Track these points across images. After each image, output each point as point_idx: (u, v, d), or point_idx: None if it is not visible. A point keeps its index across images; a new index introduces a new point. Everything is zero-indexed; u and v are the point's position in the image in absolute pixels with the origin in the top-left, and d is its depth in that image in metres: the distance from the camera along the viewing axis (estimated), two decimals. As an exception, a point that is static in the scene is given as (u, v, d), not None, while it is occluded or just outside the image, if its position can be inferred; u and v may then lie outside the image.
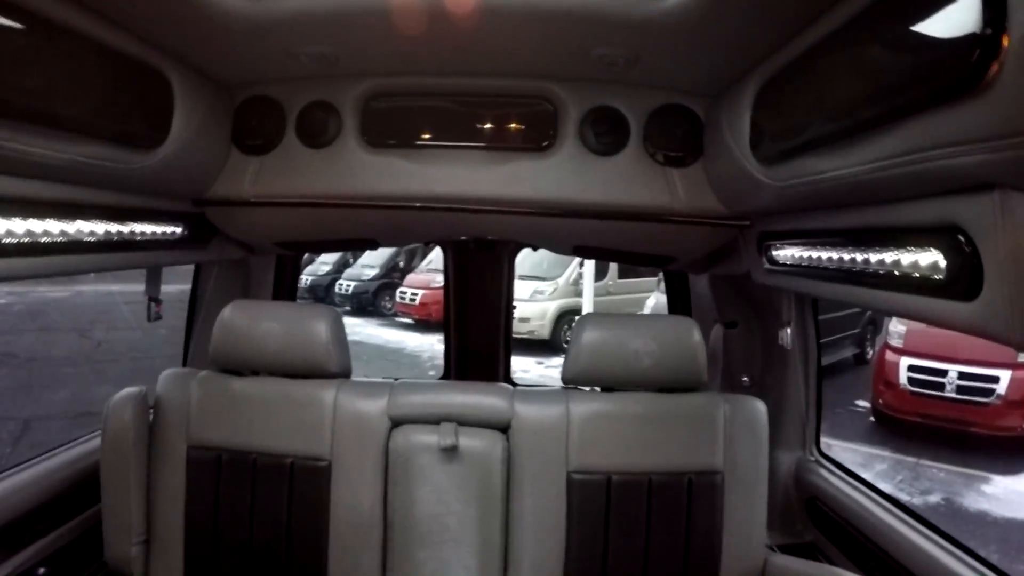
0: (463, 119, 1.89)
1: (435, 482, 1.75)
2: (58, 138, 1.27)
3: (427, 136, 1.91)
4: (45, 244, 1.35)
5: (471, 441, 1.76)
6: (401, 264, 14.11)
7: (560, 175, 1.86)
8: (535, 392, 1.87)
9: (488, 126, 1.90)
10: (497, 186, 1.88)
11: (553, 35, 1.52)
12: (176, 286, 2.36)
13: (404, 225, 2.16)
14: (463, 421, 1.79)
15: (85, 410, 6.24)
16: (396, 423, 1.79)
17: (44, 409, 6.22)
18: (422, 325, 12.19)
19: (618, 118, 1.84)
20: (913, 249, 1.10)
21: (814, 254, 1.46)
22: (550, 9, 1.39)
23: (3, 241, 1.24)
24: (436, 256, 12.84)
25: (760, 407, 1.80)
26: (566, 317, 10.94)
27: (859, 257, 1.26)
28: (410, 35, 1.52)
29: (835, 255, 1.36)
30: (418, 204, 1.92)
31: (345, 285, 13.92)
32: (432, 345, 11.01)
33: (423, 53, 1.67)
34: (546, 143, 1.88)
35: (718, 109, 1.71)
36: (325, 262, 14.63)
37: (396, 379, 1.94)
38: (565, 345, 10.68)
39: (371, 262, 14.07)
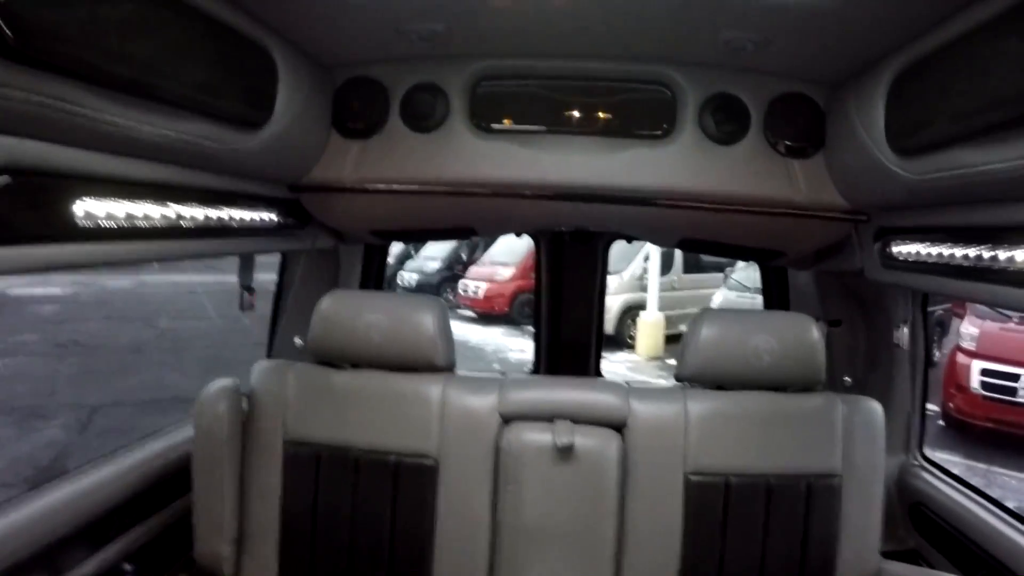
0: (576, 103, 1.85)
1: (547, 482, 1.68)
2: (159, 113, 1.19)
3: (538, 121, 1.86)
4: (145, 229, 1.28)
5: (585, 440, 1.69)
6: (464, 257, 14.05)
7: (679, 164, 1.81)
8: (650, 389, 1.83)
9: (602, 112, 1.85)
10: (613, 175, 1.83)
11: (679, 15, 1.46)
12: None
13: (509, 213, 2.11)
14: (577, 419, 1.72)
15: (151, 397, 6.36)
16: (507, 420, 1.72)
17: (110, 396, 6.39)
18: (484, 318, 12.15)
19: (739, 106, 1.79)
20: None
21: (944, 251, 1.42)
22: None
23: (103, 225, 1.17)
24: (498, 249, 12.71)
25: (876, 408, 1.72)
26: (630, 312, 10.78)
27: (1002, 255, 1.23)
28: (524, 12, 1.48)
29: (972, 252, 1.32)
30: (528, 192, 1.86)
31: (408, 277, 13.94)
32: (495, 339, 10.94)
33: (537, 33, 1.62)
34: (660, 132, 1.82)
35: (843, 98, 1.64)
36: (388, 254, 14.61)
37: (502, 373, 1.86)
38: (630, 340, 10.56)
39: (434, 254, 14.10)
